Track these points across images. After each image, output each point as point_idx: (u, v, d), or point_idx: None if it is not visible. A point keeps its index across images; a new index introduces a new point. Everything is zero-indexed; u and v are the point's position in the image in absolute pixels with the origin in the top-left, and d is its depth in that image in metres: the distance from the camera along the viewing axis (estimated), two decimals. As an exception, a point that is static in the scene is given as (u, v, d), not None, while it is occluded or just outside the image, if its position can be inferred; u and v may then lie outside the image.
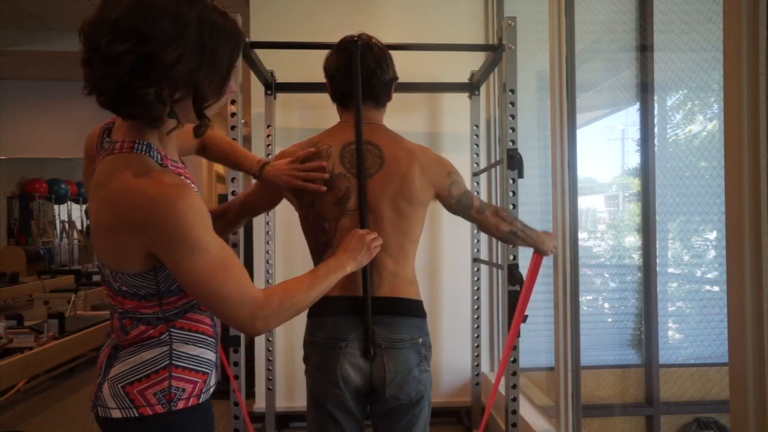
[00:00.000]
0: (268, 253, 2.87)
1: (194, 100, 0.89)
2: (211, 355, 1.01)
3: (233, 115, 1.99)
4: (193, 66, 0.85)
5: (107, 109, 0.88)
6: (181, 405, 0.94)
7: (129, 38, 0.80)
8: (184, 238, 0.85)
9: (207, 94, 0.89)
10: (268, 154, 2.89)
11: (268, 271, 2.87)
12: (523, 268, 2.04)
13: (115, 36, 0.80)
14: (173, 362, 0.95)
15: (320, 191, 1.35)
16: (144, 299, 0.93)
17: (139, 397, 0.92)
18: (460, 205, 1.47)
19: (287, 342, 3.01)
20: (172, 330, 0.96)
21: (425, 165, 1.40)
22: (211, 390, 1.02)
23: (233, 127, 2.00)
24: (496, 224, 1.52)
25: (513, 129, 2.06)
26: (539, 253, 1.74)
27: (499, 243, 3.06)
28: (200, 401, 0.98)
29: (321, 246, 1.39)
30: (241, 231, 1.96)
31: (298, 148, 1.42)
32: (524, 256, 2.12)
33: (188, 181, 0.94)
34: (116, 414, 0.92)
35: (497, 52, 2.18)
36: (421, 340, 1.37)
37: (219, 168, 7.52)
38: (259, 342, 2.94)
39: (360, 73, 1.39)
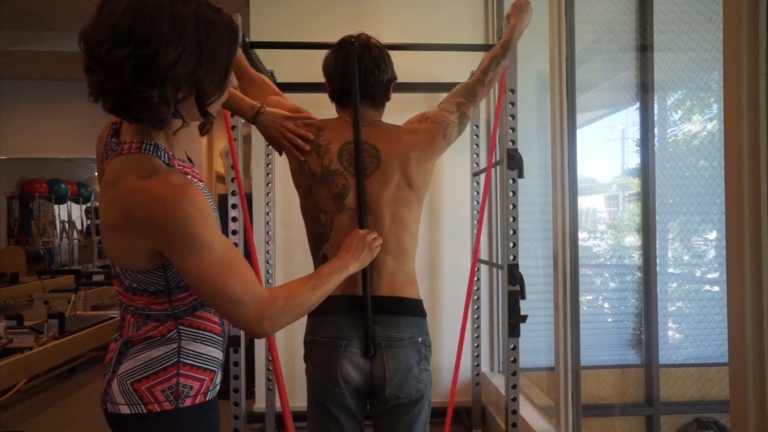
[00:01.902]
0: (268, 253, 2.87)
1: (196, 98, 0.90)
2: (218, 354, 1.02)
3: (233, 115, 1.99)
4: (193, 65, 0.85)
5: (114, 115, 0.89)
6: (188, 402, 0.95)
7: (128, 43, 0.80)
8: (190, 237, 0.86)
9: (208, 91, 0.90)
10: (268, 154, 2.89)
11: (268, 271, 2.87)
12: (524, 268, 2.04)
13: (115, 42, 0.80)
14: (181, 360, 0.96)
15: (299, 159, 1.40)
16: (154, 295, 0.94)
17: (147, 393, 0.93)
18: (464, 128, 1.56)
19: (287, 342, 3.01)
20: (180, 327, 0.96)
21: (421, 153, 1.41)
22: (217, 388, 1.03)
23: (233, 127, 2.00)
24: (490, 86, 1.62)
25: (513, 129, 2.06)
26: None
27: (500, 243, 3.06)
28: (207, 399, 0.99)
29: (318, 237, 1.41)
30: (241, 231, 1.97)
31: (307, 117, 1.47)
32: (524, 256, 2.13)
33: (195, 180, 0.95)
34: (125, 410, 0.93)
35: (497, 52, 2.17)
36: (420, 339, 1.37)
37: (219, 168, 7.52)
38: (259, 342, 2.94)
39: (358, 73, 1.40)
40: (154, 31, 0.81)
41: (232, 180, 2.00)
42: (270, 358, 2.86)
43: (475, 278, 2.98)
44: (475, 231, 2.98)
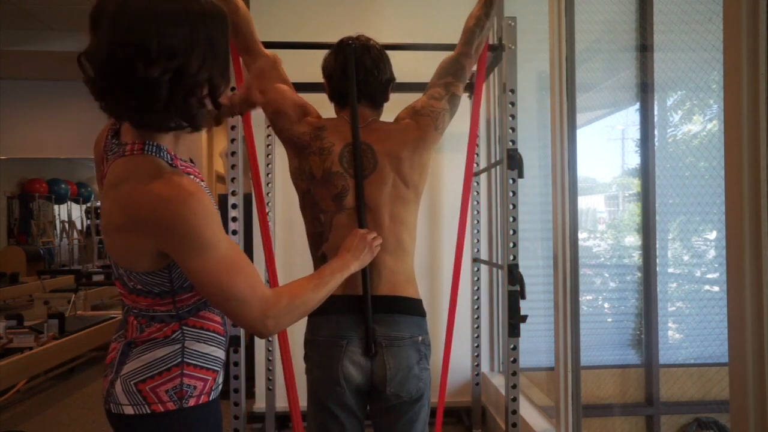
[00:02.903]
0: (268, 253, 2.87)
1: (210, 92, 0.91)
2: (220, 354, 1.02)
3: (233, 115, 1.99)
4: (210, 63, 0.87)
5: (148, 131, 0.89)
6: (192, 402, 0.95)
7: (159, 57, 0.80)
8: (195, 237, 0.86)
9: (218, 83, 0.91)
10: (268, 154, 2.89)
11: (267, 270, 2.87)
12: (524, 268, 2.04)
13: (147, 59, 0.80)
14: (185, 360, 0.96)
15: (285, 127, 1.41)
16: (158, 296, 0.94)
17: (151, 394, 0.93)
18: (455, 110, 1.51)
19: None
20: (184, 328, 0.97)
21: (414, 150, 1.40)
22: (220, 388, 1.03)
23: (233, 127, 2.01)
24: (476, 54, 1.57)
25: (513, 129, 2.06)
26: None
27: (500, 243, 3.06)
28: (210, 399, 0.99)
29: (317, 236, 1.41)
30: (241, 230, 1.97)
31: (314, 113, 1.46)
32: (524, 256, 2.13)
33: (198, 180, 0.95)
34: (128, 411, 0.93)
35: (497, 52, 2.18)
36: (420, 338, 1.37)
37: (219, 168, 7.52)
38: (259, 342, 2.93)
39: (357, 73, 1.40)
40: (178, 39, 0.82)
41: (232, 180, 2.00)
42: (270, 359, 2.86)
43: (475, 278, 2.98)
44: (476, 231, 2.98)
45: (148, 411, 0.92)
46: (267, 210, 2.86)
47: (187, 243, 0.86)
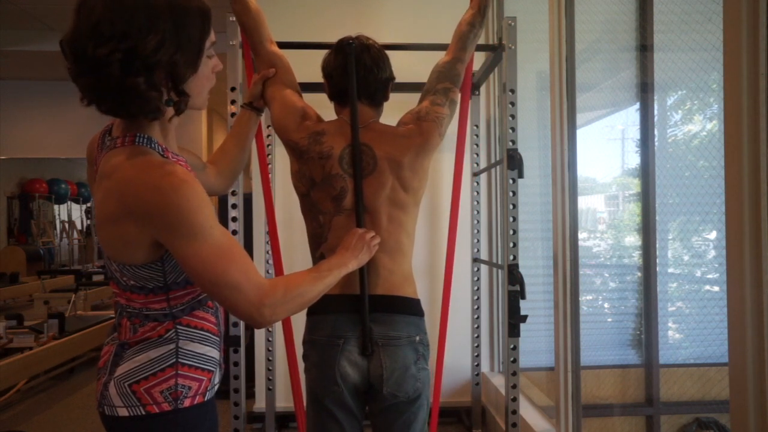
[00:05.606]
0: (268, 252, 2.87)
1: (171, 78, 0.90)
2: (215, 354, 1.02)
3: (233, 115, 2.00)
4: (173, 50, 0.88)
5: (110, 115, 0.91)
6: (187, 403, 0.95)
7: (111, 38, 0.82)
8: (188, 225, 0.86)
9: (182, 71, 0.91)
10: (268, 154, 2.89)
11: (267, 271, 2.87)
12: (524, 268, 2.04)
13: (99, 40, 0.82)
14: (179, 360, 0.95)
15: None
16: (152, 293, 0.94)
17: (145, 395, 0.93)
18: (453, 115, 1.52)
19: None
20: (178, 327, 0.96)
21: (415, 156, 1.40)
22: (216, 388, 1.02)
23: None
24: (470, 55, 1.60)
25: (513, 129, 2.06)
26: None
27: (500, 243, 3.06)
28: (205, 399, 0.98)
29: (316, 237, 1.42)
30: (241, 231, 1.97)
31: (313, 117, 1.46)
32: (524, 256, 2.13)
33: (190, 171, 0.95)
34: (123, 412, 0.92)
35: (497, 52, 2.18)
36: (418, 338, 1.37)
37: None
38: (259, 342, 2.93)
39: (357, 71, 1.41)
40: (132, 23, 0.83)
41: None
42: (270, 359, 2.86)
43: (475, 278, 2.98)
44: (476, 231, 2.98)
45: (143, 412, 0.92)
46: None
47: (180, 230, 0.86)
